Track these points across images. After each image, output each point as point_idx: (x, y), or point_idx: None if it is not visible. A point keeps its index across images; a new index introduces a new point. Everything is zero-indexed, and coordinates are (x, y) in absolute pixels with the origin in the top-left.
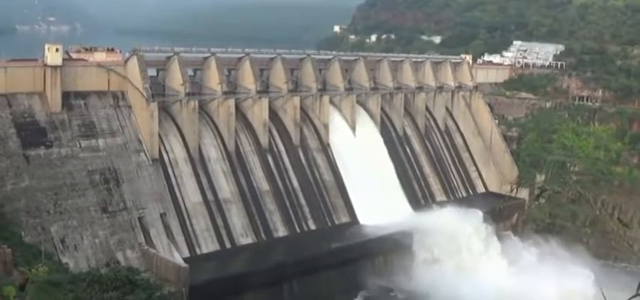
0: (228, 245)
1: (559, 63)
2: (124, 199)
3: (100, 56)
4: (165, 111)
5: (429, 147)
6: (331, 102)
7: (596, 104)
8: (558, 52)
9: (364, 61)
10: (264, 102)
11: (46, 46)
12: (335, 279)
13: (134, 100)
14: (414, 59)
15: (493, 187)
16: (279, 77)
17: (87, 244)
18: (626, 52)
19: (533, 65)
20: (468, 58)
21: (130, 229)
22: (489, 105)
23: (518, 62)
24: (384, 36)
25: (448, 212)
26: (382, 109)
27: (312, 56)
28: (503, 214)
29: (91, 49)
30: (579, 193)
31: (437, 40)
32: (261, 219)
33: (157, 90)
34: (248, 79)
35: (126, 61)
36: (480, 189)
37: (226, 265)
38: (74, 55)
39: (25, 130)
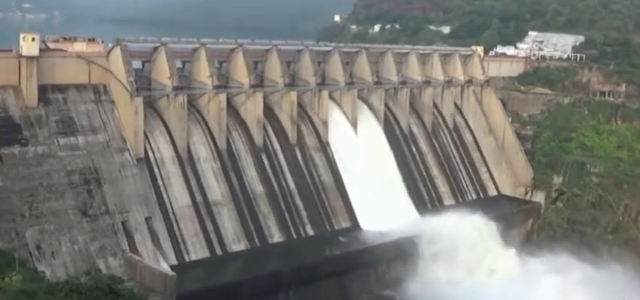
0: (218, 252)
1: (579, 55)
2: (106, 201)
3: (80, 47)
4: (151, 106)
5: (437, 146)
6: (331, 97)
7: (619, 100)
8: (578, 44)
9: (366, 54)
10: (259, 97)
11: (21, 35)
12: (334, 288)
13: (117, 94)
14: (420, 51)
15: (506, 190)
16: (274, 70)
17: (65, 250)
18: None
19: (551, 58)
20: (480, 49)
21: (113, 234)
22: (502, 101)
23: (534, 54)
24: (388, 26)
25: (458, 217)
26: (386, 105)
27: (311, 48)
28: (516, 219)
29: (70, 39)
30: (600, 197)
31: (445, 30)
32: (254, 223)
33: (143, 84)
34: (241, 73)
35: (108, 52)
36: (492, 191)
37: (217, 273)
38: (52, 46)
39: None
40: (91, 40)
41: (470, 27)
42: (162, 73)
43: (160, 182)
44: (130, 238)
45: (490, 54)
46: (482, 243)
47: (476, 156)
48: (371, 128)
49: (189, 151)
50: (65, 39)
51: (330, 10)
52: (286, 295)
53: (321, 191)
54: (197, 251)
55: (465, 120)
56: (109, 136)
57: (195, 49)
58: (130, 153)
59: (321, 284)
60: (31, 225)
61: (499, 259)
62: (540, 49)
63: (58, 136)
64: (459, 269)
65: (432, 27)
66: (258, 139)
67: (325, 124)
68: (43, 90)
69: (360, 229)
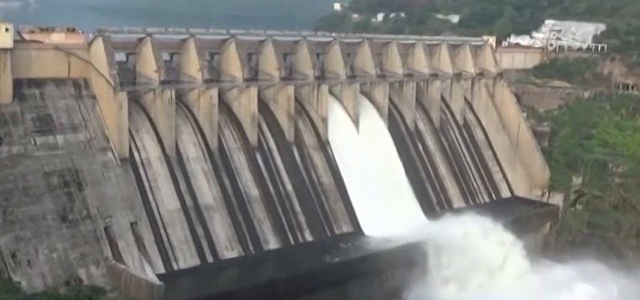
0: (210, 259)
1: (599, 45)
2: (88, 205)
3: (58, 37)
4: (136, 102)
5: (446, 144)
6: (331, 92)
7: None
8: (599, 33)
9: (369, 44)
10: (253, 92)
11: None
12: (335, 298)
13: (99, 89)
14: (427, 42)
15: (520, 192)
16: (269, 63)
17: (43, 259)
18: None
19: (569, 48)
20: (492, 40)
21: (95, 241)
22: (516, 95)
23: (551, 44)
24: (392, 15)
25: (470, 221)
26: (390, 100)
27: (309, 39)
28: (532, 223)
29: (47, 30)
30: (623, 199)
31: (454, 19)
32: (248, 228)
33: (127, 78)
34: (233, 66)
35: (89, 44)
36: (505, 193)
37: (208, 283)
38: (27, 37)
39: None
40: (71, 30)
41: (481, 15)
42: (148, 66)
43: (146, 184)
44: (113, 245)
45: (503, 44)
46: (500, 249)
47: (488, 155)
48: (374, 125)
49: (177, 150)
50: (42, 29)
51: None
52: None
53: (320, 193)
54: (186, 259)
55: (476, 116)
56: (91, 134)
57: (184, 40)
58: (113, 153)
59: (320, 294)
60: (5, 231)
61: (518, 267)
62: (558, 39)
63: (35, 135)
64: (473, 277)
65: (439, 15)
66: (253, 138)
67: (325, 120)
68: (17, 85)
69: (363, 234)
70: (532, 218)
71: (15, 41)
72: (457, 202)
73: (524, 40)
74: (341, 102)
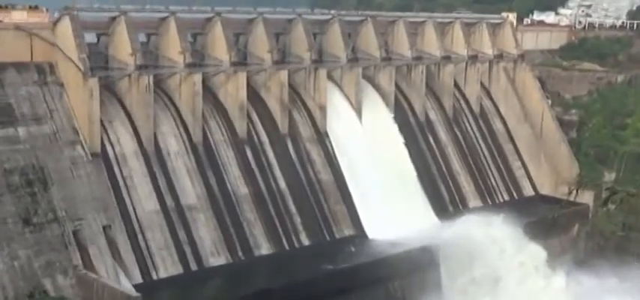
0: (193, 267)
1: (635, 22)
2: (54, 207)
3: (19, 16)
4: (108, 90)
5: (460, 136)
6: (330, 77)
7: None
8: (634, 8)
9: (373, 23)
10: (241, 78)
11: None
12: None
13: (67, 75)
14: (439, 20)
15: (545, 189)
16: (260, 45)
17: (3, 268)
18: None
19: (600, 25)
20: (512, 17)
21: (62, 247)
22: (540, 80)
23: (580, 22)
24: None
25: (489, 223)
26: (397, 86)
27: (305, 17)
28: (558, 225)
29: (6, 7)
30: None
31: None
32: (237, 232)
33: (98, 62)
34: (219, 48)
35: (55, 23)
36: (528, 191)
37: (192, 294)
38: None
39: None
40: (33, 8)
41: None
42: (123, 48)
43: (120, 183)
44: (83, 251)
45: (525, 22)
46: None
47: (508, 148)
48: (379, 115)
49: (156, 144)
50: (0, 7)
51: None
52: None
53: (318, 192)
54: (167, 267)
55: (494, 104)
56: (57, 126)
57: (163, 19)
58: (83, 147)
59: None
60: None
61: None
62: (588, 16)
63: None
64: (490, 287)
65: None
66: (241, 129)
67: (323, 110)
68: None
69: (367, 238)
70: (558, 219)
71: None
72: (473, 201)
73: (549, 17)
74: (341, 89)
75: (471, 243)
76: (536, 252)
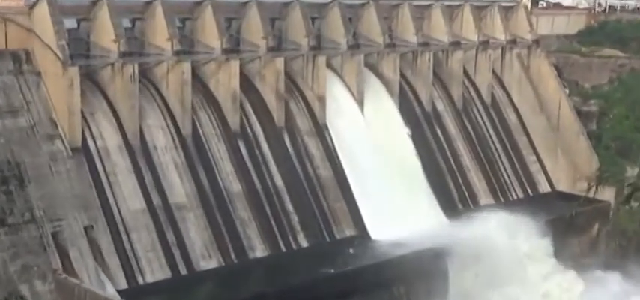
0: (183, 271)
1: None
2: (32, 206)
3: None
4: (90, 79)
5: (470, 128)
6: (329, 66)
7: None
8: None
9: (376, 7)
10: (234, 66)
11: None
12: None
13: (45, 63)
14: (447, 3)
15: (562, 185)
16: (254, 30)
17: None
18: None
19: (622, 8)
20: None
21: (40, 249)
22: (556, 67)
23: (600, 4)
24: None
25: (502, 222)
26: (402, 74)
27: (302, 0)
28: (577, 224)
29: None
30: None
31: None
32: (230, 233)
33: (79, 49)
34: (210, 34)
35: (31, 8)
36: (544, 187)
37: None
38: None
39: None
40: None
41: None
42: (105, 34)
43: (103, 180)
44: (63, 254)
45: (540, 5)
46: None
47: (522, 141)
48: (382, 105)
49: (142, 137)
50: None
51: None
52: None
53: (317, 189)
54: (154, 271)
55: (507, 93)
56: (34, 119)
57: (149, 3)
58: (62, 141)
59: None
60: None
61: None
62: None
63: None
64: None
65: None
66: (234, 122)
67: (322, 100)
68: None
69: (369, 238)
70: (576, 218)
71: None
72: (484, 198)
73: (567, 0)
74: (342, 78)
75: (482, 243)
76: (570, 282)
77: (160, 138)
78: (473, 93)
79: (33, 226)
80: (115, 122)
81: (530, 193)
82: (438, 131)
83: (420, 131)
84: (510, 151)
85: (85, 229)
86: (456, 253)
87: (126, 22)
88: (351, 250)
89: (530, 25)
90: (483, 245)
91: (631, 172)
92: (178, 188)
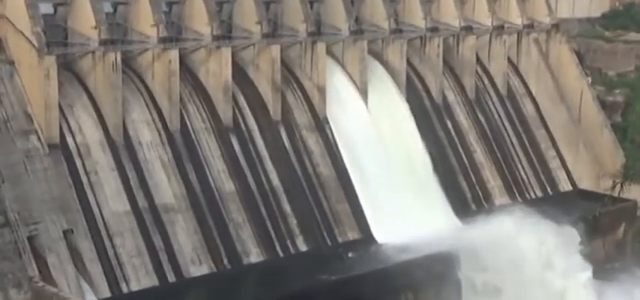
0: (171, 278)
1: None
2: (5, 208)
3: None
4: (68, 69)
5: (483, 121)
6: (329, 53)
7: None
8: None
9: None
10: (225, 54)
11: None
12: None
13: (18, 52)
14: None
15: (585, 183)
16: (247, 15)
17: None
18: None
19: None
20: None
21: (15, 255)
22: (578, 54)
23: None
24: None
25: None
26: (409, 62)
27: None
28: (601, 225)
29: None
30: None
31: None
32: (222, 237)
33: (56, 36)
34: (199, 19)
35: None
36: (564, 185)
37: None
38: None
39: None
40: None
41: None
42: (85, 20)
43: (84, 179)
44: (40, 260)
45: None
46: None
47: (540, 134)
48: (388, 97)
49: (125, 133)
50: None
51: None
52: None
53: (317, 189)
54: (140, 278)
55: (524, 83)
56: (8, 113)
57: None
58: (38, 137)
59: None
60: None
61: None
62: None
63: None
64: None
65: None
66: (226, 115)
67: (322, 91)
68: None
69: (374, 242)
70: (600, 218)
71: None
72: (500, 197)
73: None
74: (343, 66)
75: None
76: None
77: (145, 133)
78: (487, 82)
79: (7, 230)
80: (95, 116)
81: (550, 192)
82: (449, 125)
83: (429, 125)
84: (528, 146)
85: (64, 233)
86: (469, 258)
87: (107, 7)
88: (354, 255)
89: (549, 7)
90: (498, 249)
91: None
92: (166, 188)
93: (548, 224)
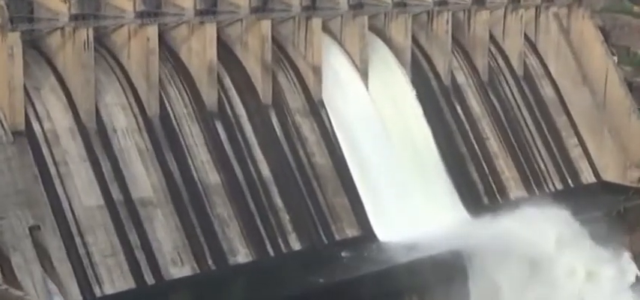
0: (149, 280)
1: None
2: None
3: None
4: (35, 48)
5: (497, 105)
6: (326, 30)
7: None
8: None
9: None
10: (210, 30)
11: None
12: None
13: None
14: None
15: (609, 175)
16: None
17: None
18: None
19: None
20: None
21: None
22: (603, 30)
23: None
24: None
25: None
26: (414, 40)
27: None
28: (627, 220)
29: None
30: None
31: None
32: (206, 234)
33: (21, 11)
34: None
35: None
36: (587, 177)
37: None
38: None
39: None
40: None
41: None
42: None
43: (52, 170)
44: (4, 260)
45: None
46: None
47: (561, 120)
48: (391, 78)
49: (98, 118)
50: None
51: None
52: None
53: (312, 180)
54: (114, 280)
55: (543, 63)
56: None
57: None
58: (2, 124)
59: None
60: None
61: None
62: None
63: None
64: None
65: None
66: (210, 99)
67: (317, 72)
68: None
69: (376, 239)
70: (627, 213)
71: None
72: (515, 190)
73: None
74: (341, 44)
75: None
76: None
77: (120, 119)
78: (501, 62)
79: None
80: (65, 100)
81: (571, 184)
82: (459, 109)
83: (437, 109)
84: (546, 133)
85: (30, 229)
86: (480, 257)
87: None
88: (352, 254)
89: None
90: (513, 246)
91: None
92: (143, 180)
93: (566, 219)
